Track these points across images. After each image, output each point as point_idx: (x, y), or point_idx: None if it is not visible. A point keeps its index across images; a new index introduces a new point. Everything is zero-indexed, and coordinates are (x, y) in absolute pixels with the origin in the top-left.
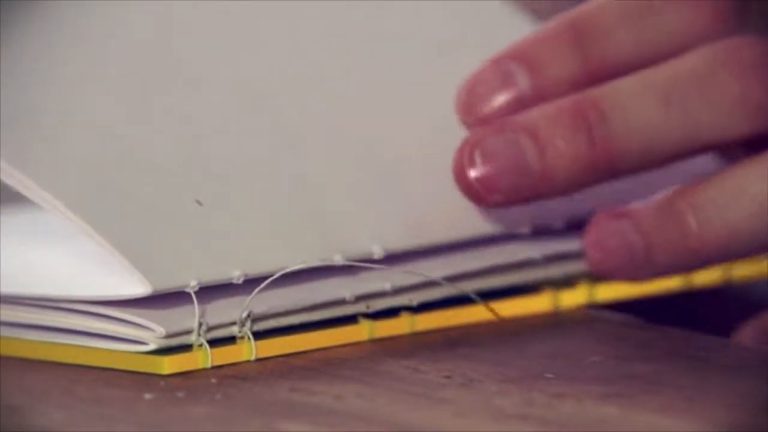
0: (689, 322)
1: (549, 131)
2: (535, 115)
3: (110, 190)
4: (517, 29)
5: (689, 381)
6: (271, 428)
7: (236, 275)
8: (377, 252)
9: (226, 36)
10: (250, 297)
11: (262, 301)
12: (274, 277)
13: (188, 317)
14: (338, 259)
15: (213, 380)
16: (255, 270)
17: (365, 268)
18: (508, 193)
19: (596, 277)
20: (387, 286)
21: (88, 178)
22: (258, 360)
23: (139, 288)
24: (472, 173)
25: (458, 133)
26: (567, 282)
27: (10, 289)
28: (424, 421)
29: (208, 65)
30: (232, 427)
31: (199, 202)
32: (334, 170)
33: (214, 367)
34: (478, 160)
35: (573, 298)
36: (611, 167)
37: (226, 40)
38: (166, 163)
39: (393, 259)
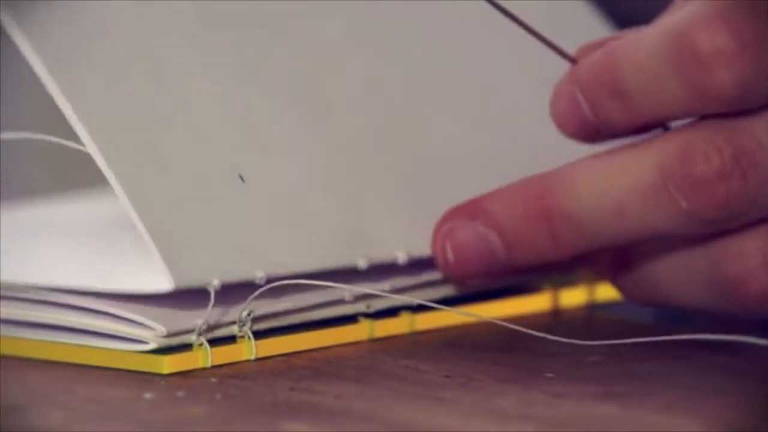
0: (691, 323)
1: (515, 231)
2: (502, 212)
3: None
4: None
5: (689, 381)
6: (271, 428)
7: (260, 276)
8: (401, 258)
9: (290, 26)
10: (250, 296)
11: (262, 301)
12: (281, 283)
13: (189, 316)
14: (362, 265)
15: (213, 380)
16: (279, 271)
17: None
18: (481, 276)
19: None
20: (387, 286)
21: (148, 164)
22: (258, 359)
23: (162, 284)
24: (446, 262)
25: (495, 142)
26: (567, 282)
27: (20, 279)
28: (424, 421)
29: (269, 57)
30: (232, 427)
31: (241, 178)
32: (372, 175)
33: (214, 367)
34: (449, 252)
35: (573, 298)
36: (573, 258)
37: (290, 30)
38: (211, 144)
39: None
